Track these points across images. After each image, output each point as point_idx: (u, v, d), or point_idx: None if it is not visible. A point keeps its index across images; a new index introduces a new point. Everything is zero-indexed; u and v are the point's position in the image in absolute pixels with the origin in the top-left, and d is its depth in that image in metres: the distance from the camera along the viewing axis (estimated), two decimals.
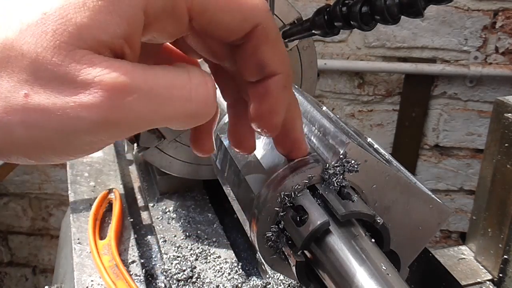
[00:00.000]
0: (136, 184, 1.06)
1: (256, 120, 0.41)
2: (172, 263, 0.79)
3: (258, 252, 0.50)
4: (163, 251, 0.82)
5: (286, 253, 0.48)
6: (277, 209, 0.48)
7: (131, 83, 0.30)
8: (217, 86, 0.41)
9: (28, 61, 0.29)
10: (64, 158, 0.32)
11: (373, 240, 0.45)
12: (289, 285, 0.75)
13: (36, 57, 0.29)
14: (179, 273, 0.77)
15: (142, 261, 0.83)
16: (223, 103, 0.66)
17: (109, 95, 0.29)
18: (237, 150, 0.44)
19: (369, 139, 0.61)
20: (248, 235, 0.52)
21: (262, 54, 0.37)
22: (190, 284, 0.76)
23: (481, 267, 0.87)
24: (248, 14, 0.36)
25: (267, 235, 0.48)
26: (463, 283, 0.82)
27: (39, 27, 0.29)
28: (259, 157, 0.52)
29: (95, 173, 1.06)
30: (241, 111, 0.42)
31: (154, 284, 0.79)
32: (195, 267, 0.79)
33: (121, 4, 0.31)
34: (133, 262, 0.82)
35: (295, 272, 0.46)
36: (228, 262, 0.80)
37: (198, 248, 0.83)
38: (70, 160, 0.28)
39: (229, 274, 0.78)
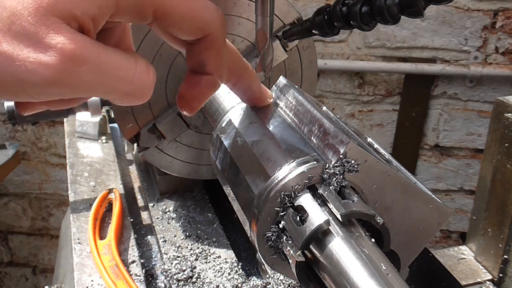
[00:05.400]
0: (136, 184, 1.06)
1: (180, 99, 0.48)
2: (172, 263, 0.79)
3: (258, 252, 0.51)
4: (163, 251, 0.82)
5: (286, 253, 0.48)
6: (277, 209, 0.48)
7: (85, 56, 0.35)
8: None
9: (7, 13, 0.34)
10: (14, 99, 0.37)
11: (373, 240, 0.45)
12: (289, 285, 0.74)
13: (15, 12, 0.34)
14: (179, 273, 0.77)
15: (142, 261, 0.83)
16: (223, 103, 0.66)
17: (64, 61, 0.34)
18: (182, 109, 0.49)
19: (369, 139, 0.61)
20: (248, 235, 0.52)
21: (205, 57, 0.45)
22: (190, 284, 0.76)
23: (481, 267, 0.87)
24: (204, 25, 0.43)
25: (267, 235, 0.48)
26: (463, 283, 0.82)
27: None
28: (259, 157, 0.52)
29: (95, 173, 1.06)
30: (196, 78, 0.48)
31: (154, 284, 0.79)
32: (195, 267, 0.79)
33: None
34: (133, 262, 0.82)
35: (295, 272, 0.46)
36: (228, 262, 0.80)
37: (198, 248, 0.83)
38: (27, 99, 0.37)
39: (229, 274, 0.78)
